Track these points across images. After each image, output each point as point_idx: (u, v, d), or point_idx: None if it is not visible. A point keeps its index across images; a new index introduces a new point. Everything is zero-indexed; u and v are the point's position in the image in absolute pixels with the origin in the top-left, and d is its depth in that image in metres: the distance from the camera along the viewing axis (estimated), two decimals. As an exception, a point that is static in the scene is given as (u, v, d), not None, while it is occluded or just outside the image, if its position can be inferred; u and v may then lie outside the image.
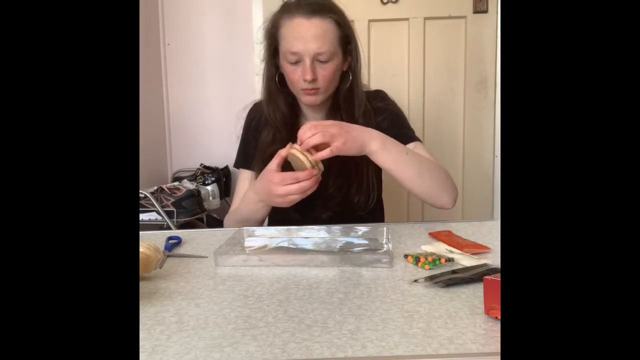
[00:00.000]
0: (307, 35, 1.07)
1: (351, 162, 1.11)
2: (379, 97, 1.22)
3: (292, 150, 0.96)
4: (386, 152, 0.99)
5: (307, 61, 1.08)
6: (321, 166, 0.96)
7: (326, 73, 1.10)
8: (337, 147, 0.93)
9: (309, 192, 0.95)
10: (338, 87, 1.16)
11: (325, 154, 0.93)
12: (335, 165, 1.10)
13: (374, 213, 1.21)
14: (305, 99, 1.13)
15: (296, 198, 0.95)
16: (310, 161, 0.93)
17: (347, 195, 1.15)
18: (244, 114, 1.29)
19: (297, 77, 1.10)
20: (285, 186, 0.93)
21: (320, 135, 0.92)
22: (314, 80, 1.09)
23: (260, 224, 1.13)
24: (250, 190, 1.08)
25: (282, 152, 0.98)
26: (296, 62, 1.09)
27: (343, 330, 0.57)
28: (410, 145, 1.13)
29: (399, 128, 1.16)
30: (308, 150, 0.94)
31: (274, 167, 0.97)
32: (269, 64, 1.17)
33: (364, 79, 1.22)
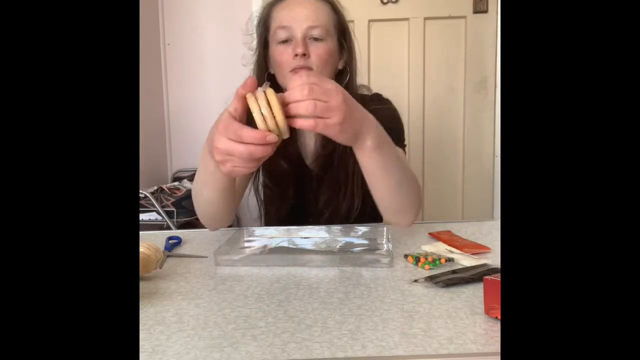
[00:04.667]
0: (299, 10, 1.00)
1: (343, 174, 1.04)
2: (375, 100, 1.13)
3: (249, 98, 0.67)
4: (378, 153, 0.80)
5: (299, 35, 0.98)
6: (286, 132, 0.67)
7: (320, 52, 0.99)
8: (329, 125, 0.69)
9: (254, 163, 0.69)
10: None
11: (307, 124, 0.67)
12: (327, 176, 1.04)
13: (363, 219, 1.09)
14: None
15: (238, 164, 0.68)
16: (266, 122, 0.66)
17: (336, 206, 1.07)
18: None
19: (287, 56, 0.99)
20: (228, 140, 0.67)
21: (311, 105, 0.67)
22: (305, 56, 0.97)
23: (225, 197, 0.88)
24: (206, 140, 0.83)
25: (239, 90, 0.69)
26: (286, 41, 0.99)
27: (343, 330, 0.57)
28: None
29: (385, 128, 1.03)
30: (283, 104, 0.67)
31: (231, 109, 0.69)
32: (260, 57, 1.08)
33: (364, 79, 1.21)
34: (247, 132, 0.65)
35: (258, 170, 1.12)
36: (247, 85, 0.68)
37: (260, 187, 1.13)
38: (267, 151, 0.66)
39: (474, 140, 2.39)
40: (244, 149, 0.66)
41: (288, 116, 0.67)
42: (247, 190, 1.11)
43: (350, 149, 0.82)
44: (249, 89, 0.68)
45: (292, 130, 0.69)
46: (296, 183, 1.09)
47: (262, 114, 0.65)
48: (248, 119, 0.69)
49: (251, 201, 1.17)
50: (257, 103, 0.65)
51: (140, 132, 0.52)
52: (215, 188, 0.86)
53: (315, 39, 0.99)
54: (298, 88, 0.67)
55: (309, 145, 1.10)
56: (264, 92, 0.66)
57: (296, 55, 0.97)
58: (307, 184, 1.10)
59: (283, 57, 0.99)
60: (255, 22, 1.10)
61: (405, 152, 1.05)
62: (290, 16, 0.99)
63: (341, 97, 0.69)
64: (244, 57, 1.12)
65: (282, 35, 0.99)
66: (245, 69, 1.13)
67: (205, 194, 0.88)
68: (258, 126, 0.65)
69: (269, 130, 0.65)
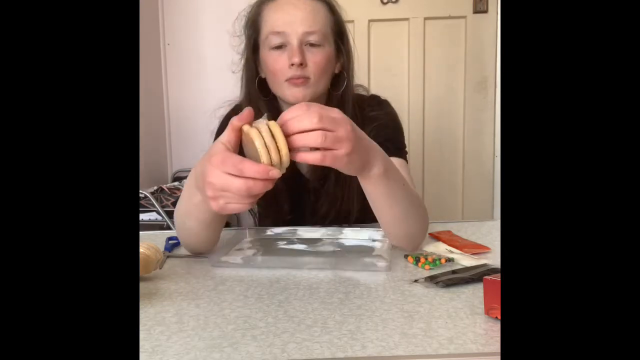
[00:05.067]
0: (295, 14, 0.91)
1: (340, 184, 0.98)
2: (374, 103, 1.04)
3: (250, 130, 0.62)
4: (385, 181, 0.75)
5: (295, 42, 0.90)
6: (286, 163, 0.63)
7: (317, 59, 0.92)
8: (337, 157, 0.64)
9: (250, 200, 0.63)
10: (329, 92, 0.99)
11: (314, 158, 0.63)
12: (324, 189, 0.99)
13: (364, 220, 1.04)
14: (291, 92, 0.92)
15: (232, 200, 0.63)
16: (270, 155, 0.61)
17: (335, 216, 1.02)
18: (220, 113, 1.10)
19: (281, 65, 0.91)
20: (224, 174, 0.62)
21: (320, 136, 0.62)
22: (302, 65, 0.91)
23: (209, 228, 0.83)
24: (192, 171, 0.78)
25: (235, 122, 0.64)
26: (280, 47, 0.92)
27: (343, 330, 0.57)
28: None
29: (382, 139, 0.91)
30: (287, 136, 0.62)
31: (224, 139, 0.65)
32: (249, 61, 1.00)
33: (364, 79, 1.17)
34: (249, 166, 0.60)
35: None
36: (243, 117, 0.63)
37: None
38: (267, 187, 0.62)
39: (474, 140, 2.39)
40: (242, 184, 0.60)
41: (291, 149, 0.62)
42: None
43: None
44: (245, 121, 0.64)
45: None
46: (291, 199, 1.04)
47: (266, 146, 0.61)
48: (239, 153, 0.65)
49: (248, 220, 1.11)
50: (261, 135, 0.61)
51: (140, 132, 0.51)
52: (200, 220, 0.79)
53: (312, 45, 0.92)
54: (306, 116, 0.62)
55: None
56: (267, 124, 0.62)
57: (292, 64, 0.91)
58: (305, 198, 1.04)
59: (277, 65, 0.92)
60: (242, 22, 1.02)
61: (407, 160, 1.00)
62: (284, 20, 0.92)
63: (350, 126, 0.65)
64: (233, 63, 1.04)
65: (275, 41, 0.92)
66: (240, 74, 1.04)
67: (189, 225, 0.82)
68: (261, 159, 0.61)
69: (272, 164, 0.61)
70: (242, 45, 1.01)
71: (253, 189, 0.61)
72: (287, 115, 0.63)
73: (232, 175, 0.61)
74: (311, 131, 0.62)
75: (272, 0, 0.95)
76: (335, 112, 0.65)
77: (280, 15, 0.92)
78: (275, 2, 0.94)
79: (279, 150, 0.61)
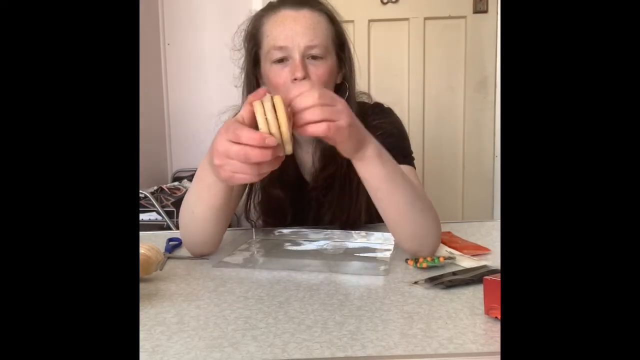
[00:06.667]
0: (295, 27, 0.91)
1: (347, 193, 0.97)
2: (378, 112, 1.03)
3: (255, 103, 0.66)
4: (380, 163, 0.75)
5: (297, 56, 0.90)
6: (288, 141, 0.65)
7: (320, 72, 0.91)
8: (340, 128, 0.68)
9: (254, 171, 0.66)
10: None
11: (321, 129, 0.67)
12: (327, 199, 0.98)
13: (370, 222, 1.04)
14: None
15: (236, 169, 0.66)
16: (268, 126, 0.64)
17: (342, 225, 1.01)
18: (224, 118, 1.04)
19: (284, 79, 0.91)
20: (226, 141, 0.65)
21: (319, 110, 0.67)
22: (305, 79, 0.90)
23: (217, 218, 0.84)
24: (208, 151, 0.78)
25: (251, 98, 0.69)
26: (282, 61, 0.92)
27: (343, 330, 0.57)
28: None
29: (388, 147, 0.88)
30: (292, 113, 0.66)
31: (239, 114, 0.69)
32: (250, 74, 0.99)
33: (364, 80, 1.16)
34: (245, 133, 0.64)
35: (249, 199, 1.05)
36: (258, 94, 0.68)
37: (253, 212, 1.06)
38: (265, 156, 0.64)
39: (474, 140, 2.39)
40: (239, 149, 0.64)
41: (298, 126, 0.66)
42: (239, 208, 1.03)
43: (353, 169, 0.78)
44: (257, 98, 0.67)
45: (289, 157, 0.71)
46: (294, 208, 1.03)
47: (265, 117, 0.63)
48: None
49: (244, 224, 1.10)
50: (263, 107, 0.64)
51: (140, 132, 0.51)
52: (210, 205, 0.81)
53: (314, 58, 0.92)
54: (308, 94, 0.67)
55: (307, 164, 1.03)
56: (272, 97, 0.65)
57: (295, 79, 0.89)
58: (307, 207, 1.03)
59: (279, 79, 0.92)
60: (242, 36, 1.01)
61: (414, 166, 0.99)
62: (285, 34, 0.91)
63: (343, 103, 0.70)
64: (235, 77, 1.03)
65: (277, 55, 0.91)
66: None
67: (197, 212, 0.83)
68: (260, 130, 0.64)
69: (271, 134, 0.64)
70: (243, 59, 1.00)
71: (251, 156, 0.64)
72: (291, 93, 0.67)
73: (233, 142, 0.65)
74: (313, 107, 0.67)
75: (272, 14, 0.94)
76: (331, 93, 0.71)
77: (281, 29, 0.92)
78: (275, 15, 0.93)
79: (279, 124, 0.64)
